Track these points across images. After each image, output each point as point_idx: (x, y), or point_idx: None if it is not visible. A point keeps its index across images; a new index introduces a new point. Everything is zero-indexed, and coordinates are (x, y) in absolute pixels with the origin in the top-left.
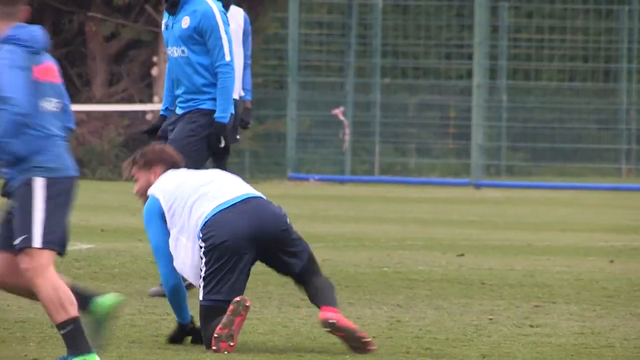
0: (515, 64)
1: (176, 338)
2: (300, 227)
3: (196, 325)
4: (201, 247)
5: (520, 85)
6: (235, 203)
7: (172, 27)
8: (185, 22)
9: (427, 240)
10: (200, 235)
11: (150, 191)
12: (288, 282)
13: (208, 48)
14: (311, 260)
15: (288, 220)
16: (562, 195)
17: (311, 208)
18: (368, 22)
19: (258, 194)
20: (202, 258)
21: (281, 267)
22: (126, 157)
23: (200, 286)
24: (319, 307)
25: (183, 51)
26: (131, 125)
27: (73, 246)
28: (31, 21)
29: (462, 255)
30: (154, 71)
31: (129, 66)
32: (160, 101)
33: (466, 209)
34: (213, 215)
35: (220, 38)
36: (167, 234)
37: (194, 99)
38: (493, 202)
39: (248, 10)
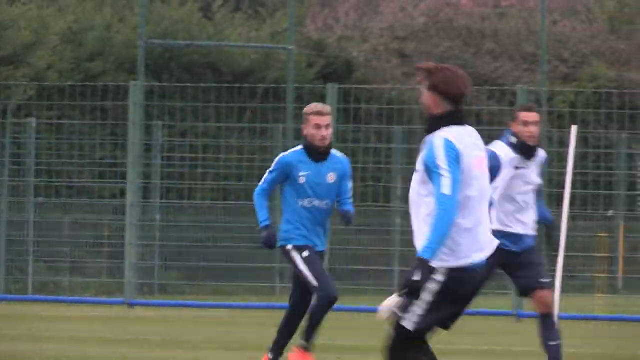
0: (169, 183)
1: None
2: None
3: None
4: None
5: (173, 204)
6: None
7: (316, 177)
8: (332, 177)
9: (83, 359)
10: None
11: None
12: None
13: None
14: None
15: None
16: (217, 314)
17: None
18: (22, 142)
19: None
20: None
21: None
22: None
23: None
24: None
25: (327, 204)
26: None
27: None
28: None
29: None
30: None
31: None
32: None
33: (122, 327)
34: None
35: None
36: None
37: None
38: (148, 320)
39: None
